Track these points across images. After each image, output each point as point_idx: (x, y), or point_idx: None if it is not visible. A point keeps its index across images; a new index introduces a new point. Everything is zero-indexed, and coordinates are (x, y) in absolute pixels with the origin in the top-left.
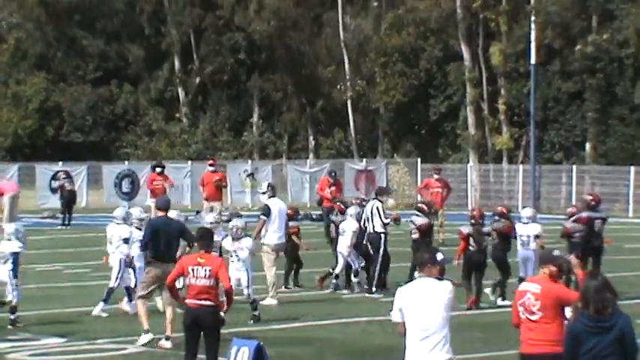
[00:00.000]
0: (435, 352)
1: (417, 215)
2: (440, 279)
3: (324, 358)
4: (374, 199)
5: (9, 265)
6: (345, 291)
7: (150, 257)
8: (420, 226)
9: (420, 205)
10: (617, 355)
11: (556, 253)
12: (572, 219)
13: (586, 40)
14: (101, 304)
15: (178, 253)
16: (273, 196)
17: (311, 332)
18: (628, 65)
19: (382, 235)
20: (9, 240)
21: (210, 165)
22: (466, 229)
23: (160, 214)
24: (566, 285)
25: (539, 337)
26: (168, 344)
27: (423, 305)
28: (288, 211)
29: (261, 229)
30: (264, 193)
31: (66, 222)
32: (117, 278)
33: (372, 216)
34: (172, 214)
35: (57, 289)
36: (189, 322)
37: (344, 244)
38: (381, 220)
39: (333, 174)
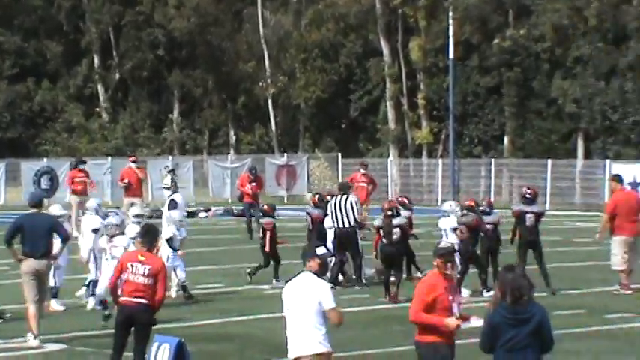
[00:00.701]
0: (308, 345)
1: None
2: (320, 274)
3: (245, 353)
4: (344, 194)
5: None
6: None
7: (22, 254)
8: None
9: (400, 198)
10: (534, 346)
11: (442, 244)
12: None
13: (503, 35)
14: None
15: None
16: (176, 192)
17: (231, 328)
18: (544, 60)
19: (357, 229)
20: None
21: (133, 162)
22: (377, 223)
23: (32, 210)
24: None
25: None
26: (35, 342)
27: (297, 299)
28: (265, 207)
29: None
30: (168, 188)
31: None
32: (96, 269)
33: (346, 211)
34: (136, 209)
35: None
36: (121, 319)
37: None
38: (354, 216)
39: (253, 171)
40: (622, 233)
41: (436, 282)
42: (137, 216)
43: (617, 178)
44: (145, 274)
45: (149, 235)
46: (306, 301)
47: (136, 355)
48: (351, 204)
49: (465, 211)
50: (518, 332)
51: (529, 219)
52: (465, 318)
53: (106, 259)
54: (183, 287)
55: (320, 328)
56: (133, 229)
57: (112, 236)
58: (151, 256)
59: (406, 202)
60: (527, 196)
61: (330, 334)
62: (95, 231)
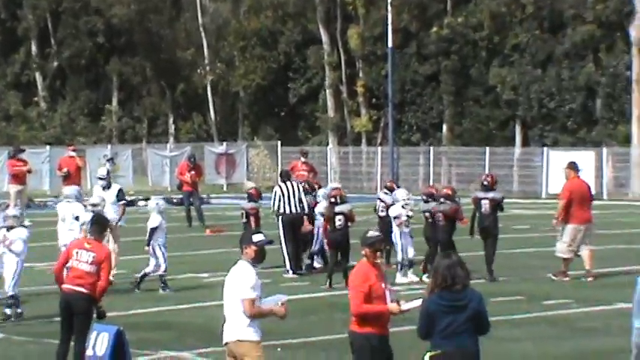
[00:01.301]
0: (232, 332)
1: (386, 194)
2: (255, 262)
3: (184, 342)
4: (288, 181)
5: None
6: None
7: None
8: (390, 205)
9: (389, 183)
10: (471, 331)
11: (370, 234)
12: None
13: (441, 23)
14: None
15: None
16: (111, 182)
17: (171, 317)
18: (482, 47)
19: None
20: None
21: (73, 150)
22: (320, 209)
23: None
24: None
25: None
26: None
27: (227, 287)
28: (251, 192)
29: (123, 214)
30: (103, 178)
31: None
32: None
33: (299, 194)
34: (94, 198)
35: None
36: (62, 306)
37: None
38: (306, 200)
39: (192, 159)
40: (573, 221)
41: (368, 271)
42: (94, 204)
43: (573, 166)
44: (89, 261)
45: (98, 225)
46: (232, 288)
47: (76, 345)
48: (304, 191)
49: (442, 199)
50: (455, 319)
51: (484, 205)
52: (397, 303)
53: (4, 253)
54: (141, 277)
55: (244, 316)
56: (87, 216)
57: (10, 228)
58: (98, 245)
59: (394, 187)
60: (485, 183)
61: (257, 322)
62: (78, 218)
